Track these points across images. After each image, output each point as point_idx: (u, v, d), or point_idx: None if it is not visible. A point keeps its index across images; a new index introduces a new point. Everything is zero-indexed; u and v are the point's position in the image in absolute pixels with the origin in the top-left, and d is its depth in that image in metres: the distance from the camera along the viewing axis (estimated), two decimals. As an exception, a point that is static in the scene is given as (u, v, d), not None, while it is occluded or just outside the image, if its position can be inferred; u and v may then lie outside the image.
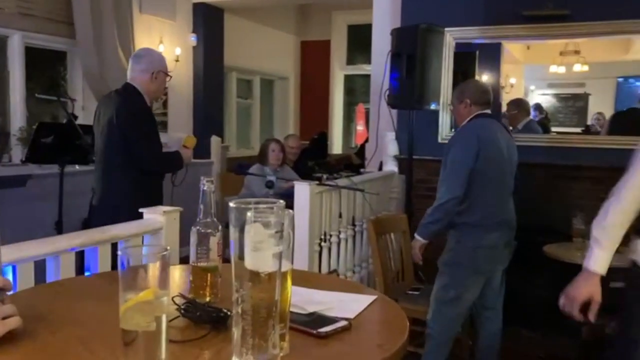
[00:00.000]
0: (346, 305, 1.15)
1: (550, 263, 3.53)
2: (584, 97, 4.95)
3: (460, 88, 3.16)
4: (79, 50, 4.90)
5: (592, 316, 1.82)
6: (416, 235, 3.02)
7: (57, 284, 1.51)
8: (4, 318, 0.95)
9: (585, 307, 1.86)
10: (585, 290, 1.81)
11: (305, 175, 4.75)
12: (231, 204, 0.85)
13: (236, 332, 0.84)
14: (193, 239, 1.22)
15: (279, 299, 0.86)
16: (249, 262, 0.85)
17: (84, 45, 4.80)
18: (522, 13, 4.34)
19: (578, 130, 4.90)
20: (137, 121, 2.96)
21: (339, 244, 3.66)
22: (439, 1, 4.59)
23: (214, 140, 6.25)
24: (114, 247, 2.00)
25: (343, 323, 1.05)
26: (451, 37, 4.52)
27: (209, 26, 6.38)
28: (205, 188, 1.21)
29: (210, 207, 1.22)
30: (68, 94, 4.85)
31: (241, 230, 0.85)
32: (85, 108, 5.10)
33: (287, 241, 0.91)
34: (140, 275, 0.80)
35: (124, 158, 2.95)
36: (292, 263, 0.98)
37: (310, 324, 1.03)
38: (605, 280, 3.54)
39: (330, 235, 3.56)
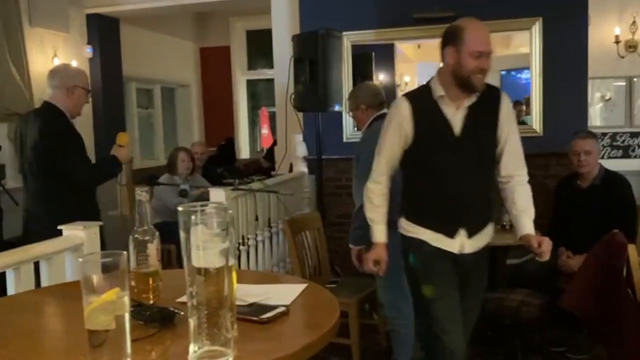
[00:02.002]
0: (281, 294, 1.27)
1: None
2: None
3: (354, 95, 3.32)
4: (-34, 67, 4.66)
5: (381, 271, 2.43)
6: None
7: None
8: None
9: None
10: (374, 254, 2.41)
11: (216, 182, 4.80)
12: (179, 209, 0.94)
13: (192, 322, 0.94)
14: (132, 246, 1.28)
15: (228, 290, 0.96)
16: (198, 260, 0.95)
17: (-28, 62, 4.57)
18: (412, 16, 4.65)
19: None
20: (62, 142, 2.88)
21: (256, 246, 3.76)
22: (335, 6, 4.80)
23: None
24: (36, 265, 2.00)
25: (282, 309, 1.17)
26: (349, 40, 4.75)
27: (104, 37, 6.24)
28: (140, 198, 1.28)
29: (146, 216, 1.29)
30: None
31: (189, 232, 0.95)
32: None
33: (230, 239, 1.01)
34: (100, 279, 0.88)
35: (56, 179, 2.87)
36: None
37: (253, 313, 1.15)
38: (502, 258, 3.88)
39: (248, 239, 3.65)
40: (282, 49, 4.98)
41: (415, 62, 5.55)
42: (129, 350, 0.91)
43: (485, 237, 2.37)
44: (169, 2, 5.87)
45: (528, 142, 4.47)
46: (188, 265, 0.94)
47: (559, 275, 3.47)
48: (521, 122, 4.82)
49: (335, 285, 3.62)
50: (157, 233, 1.30)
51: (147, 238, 1.29)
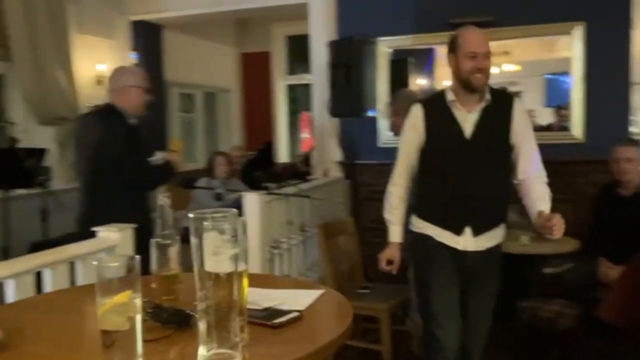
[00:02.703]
0: (297, 299, 1.29)
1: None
2: (518, 96, 5.23)
3: (394, 101, 3.39)
4: (16, 73, 4.85)
5: (394, 270, 2.55)
6: None
7: (20, 302, 1.58)
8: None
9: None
10: (387, 254, 2.54)
11: (254, 186, 4.86)
12: (190, 215, 0.97)
13: (201, 326, 0.97)
14: (154, 250, 1.33)
15: (237, 295, 0.99)
16: (209, 265, 0.97)
17: (22, 68, 4.76)
18: (449, 21, 4.61)
19: None
20: (119, 145, 2.90)
21: (290, 249, 3.79)
22: (372, 12, 4.81)
23: (159, 155, 6.26)
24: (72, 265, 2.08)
25: (295, 314, 1.19)
26: (385, 46, 4.75)
27: (148, 43, 6.40)
28: (161, 203, 1.32)
29: (168, 220, 1.33)
30: (6, 118, 4.78)
31: (200, 238, 0.97)
32: (27, 131, 5.05)
33: (241, 245, 1.04)
34: (114, 282, 0.92)
35: (111, 180, 2.87)
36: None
37: (266, 317, 1.17)
38: (538, 267, 3.80)
39: (282, 242, 3.69)
40: (319, 55, 5.01)
41: (454, 66, 5.48)
42: (139, 350, 0.94)
43: (494, 238, 2.43)
44: (211, 9, 5.97)
45: (568, 149, 4.42)
46: (199, 269, 0.97)
47: (597, 286, 3.38)
48: (563, 128, 4.72)
49: (368, 291, 3.62)
50: (178, 237, 1.34)
51: (168, 242, 1.33)
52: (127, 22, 6.21)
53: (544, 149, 3.93)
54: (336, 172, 4.80)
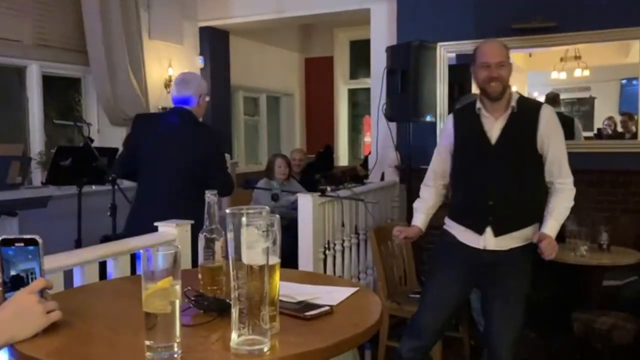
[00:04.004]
0: (331, 295, 1.36)
1: (545, 264, 3.70)
2: (590, 101, 5.01)
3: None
4: (93, 76, 5.17)
5: (397, 240, 2.88)
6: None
7: (85, 286, 1.74)
8: (48, 312, 1.17)
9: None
10: (405, 231, 2.77)
11: (312, 188, 4.97)
12: (227, 211, 1.06)
13: (234, 313, 1.05)
14: (201, 244, 1.43)
15: (268, 286, 1.07)
16: (244, 257, 1.06)
17: (98, 72, 5.06)
18: (511, 26, 4.56)
19: (587, 134, 4.95)
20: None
21: (342, 252, 3.86)
22: (433, 18, 4.82)
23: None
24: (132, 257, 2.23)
25: (326, 308, 1.26)
26: (444, 51, 4.74)
27: (215, 48, 6.65)
28: (209, 200, 1.43)
29: (214, 216, 1.44)
30: (84, 118, 5.11)
31: (237, 232, 1.06)
32: (100, 131, 5.38)
33: (273, 240, 1.12)
34: (157, 269, 1.02)
35: (190, 183, 2.90)
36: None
37: (298, 310, 1.25)
38: (598, 279, 3.70)
39: (334, 244, 3.76)
40: (379, 60, 5.06)
41: (526, 71, 5.38)
42: (178, 332, 1.04)
43: (520, 239, 2.50)
44: (276, 15, 6.14)
45: (631, 159, 4.26)
46: (233, 261, 1.06)
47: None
48: (634, 137, 4.57)
49: (420, 296, 3.63)
50: (223, 232, 1.44)
51: (214, 236, 1.43)
52: (196, 28, 6.48)
53: (612, 157, 3.82)
54: (393, 176, 4.83)
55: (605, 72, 4.94)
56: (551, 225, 2.42)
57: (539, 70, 5.29)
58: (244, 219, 1.07)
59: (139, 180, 3.08)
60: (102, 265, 2.17)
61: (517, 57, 5.26)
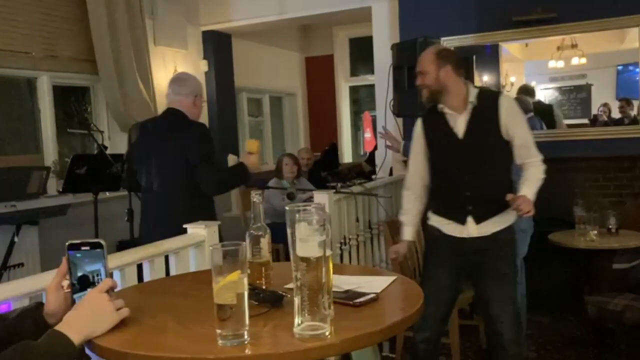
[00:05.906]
0: (373, 284, 1.46)
1: (555, 250, 3.81)
2: (586, 88, 5.08)
3: None
4: (102, 84, 5.25)
5: (395, 261, 3.14)
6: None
7: (136, 286, 1.84)
8: (118, 309, 1.26)
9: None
10: (395, 248, 2.96)
11: (320, 186, 5.07)
12: (287, 208, 1.16)
13: (297, 300, 1.15)
14: (248, 240, 1.53)
15: (325, 276, 1.17)
16: (301, 251, 1.16)
17: (107, 80, 5.15)
18: (512, 19, 4.65)
19: (584, 121, 5.05)
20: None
21: (357, 246, 3.96)
22: (434, 13, 4.92)
23: (231, 158, 6.47)
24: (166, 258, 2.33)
25: (372, 295, 1.36)
26: (448, 46, 4.83)
27: (218, 51, 6.73)
28: (255, 200, 1.52)
29: (260, 215, 1.53)
30: (96, 126, 5.19)
31: (294, 227, 1.16)
32: (111, 138, 5.46)
33: (326, 234, 1.21)
34: (226, 264, 1.12)
35: (185, 184, 3.00)
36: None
37: (347, 298, 1.35)
38: (607, 262, 3.81)
39: (350, 239, 3.86)
40: (383, 57, 5.15)
41: (523, 61, 5.45)
42: (247, 321, 1.13)
43: (498, 223, 2.63)
44: (277, 16, 6.22)
45: (634, 144, 4.35)
46: (293, 254, 1.16)
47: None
48: (634, 122, 4.66)
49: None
50: (268, 229, 1.54)
51: (260, 233, 1.53)
52: (199, 32, 6.56)
53: (614, 143, 3.87)
54: (401, 171, 4.92)
55: (601, 59, 5.01)
56: (524, 191, 2.50)
57: (536, 59, 5.38)
58: (298, 215, 1.17)
59: (142, 188, 3.23)
60: (139, 267, 2.26)
61: (513, 47, 5.37)
